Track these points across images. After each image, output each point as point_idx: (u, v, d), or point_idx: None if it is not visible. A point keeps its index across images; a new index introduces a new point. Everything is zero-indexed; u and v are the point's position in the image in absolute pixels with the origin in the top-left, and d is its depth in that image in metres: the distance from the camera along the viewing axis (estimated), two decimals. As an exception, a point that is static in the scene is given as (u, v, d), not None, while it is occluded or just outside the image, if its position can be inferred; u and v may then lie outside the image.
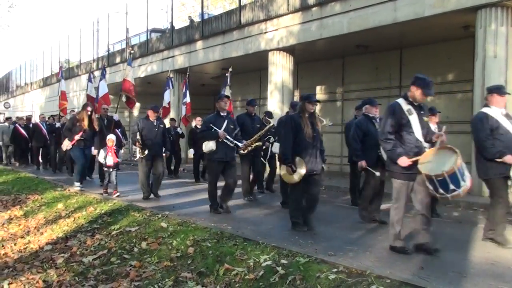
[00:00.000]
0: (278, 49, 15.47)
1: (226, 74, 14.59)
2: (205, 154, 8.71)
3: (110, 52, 27.13)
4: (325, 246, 5.81)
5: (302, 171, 6.68)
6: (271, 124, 10.21)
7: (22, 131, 18.29)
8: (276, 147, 9.54)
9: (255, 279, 4.65)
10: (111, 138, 10.43)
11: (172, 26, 21.51)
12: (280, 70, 15.53)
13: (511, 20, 10.39)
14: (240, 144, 8.51)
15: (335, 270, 4.48)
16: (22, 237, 8.03)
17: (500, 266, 5.10)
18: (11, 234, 8.30)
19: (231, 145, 8.33)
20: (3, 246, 7.61)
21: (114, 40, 27.92)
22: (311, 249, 5.53)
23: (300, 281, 4.41)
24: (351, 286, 4.13)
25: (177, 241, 6.11)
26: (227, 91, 13.92)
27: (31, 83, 39.45)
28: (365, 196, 7.80)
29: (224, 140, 8.20)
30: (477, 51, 10.66)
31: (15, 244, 7.62)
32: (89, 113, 10.97)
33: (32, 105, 38.06)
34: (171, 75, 18.09)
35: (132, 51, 14.73)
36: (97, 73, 21.39)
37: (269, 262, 4.89)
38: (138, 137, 9.75)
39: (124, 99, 13.78)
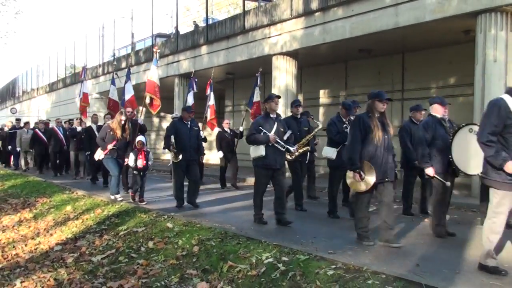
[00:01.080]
0: (281, 53, 15.69)
1: (256, 74, 14.06)
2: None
3: (115, 57, 27.40)
4: (326, 245, 6.01)
5: (371, 179, 6.08)
6: (320, 127, 9.64)
7: (42, 136, 17.35)
8: (328, 151, 8.44)
9: (257, 275, 4.86)
10: (140, 140, 9.94)
11: (177, 31, 21.77)
12: (284, 74, 15.75)
13: (510, 25, 10.54)
14: (291, 149, 7.82)
15: (333, 266, 4.68)
16: (32, 238, 8.28)
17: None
18: (22, 236, 8.56)
19: (282, 149, 7.60)
20: (14, 247, 7.86)
21: (119, 46, 28.20)
22: (312, 247, 5.74)
23: (300, 277, 4.61)
24: (348, 281, 4.33)
25: (183, 241, 6.33)
26: (257, 92, 13.93)
27: (37, 89, 39.82)
28: (436, 211, 6.90)
29: (275, 144, 7.49)
30: (477, 55, 10.83)
31: (25, 245, 7.87)
32: (122, 121, 10.22)
33: (38, 111, 38.43)
34: (195, 77, 16.51)
35: (158, 50, 13.76)
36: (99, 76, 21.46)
37: (270, 260, 5.10)
38: (172, 140, 9.22)
39: (147, 100, 12.94)
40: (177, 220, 7.38)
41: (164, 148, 10.07)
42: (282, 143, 7.57)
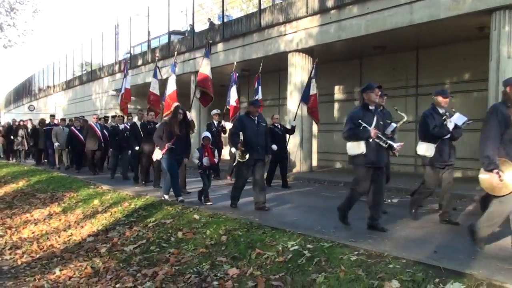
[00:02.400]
0: (297, 50, 15.99)
1: (313, 65, 13.87)
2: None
3: (132, 54, 27.81)
4: (346, 234, 6.31)
5: None
6: (405, 119, 8.70)
7: (78, 133, 16.61)
8: (425, 148, 7.34)
9: (284, 261, 5.20)
10: (207, 136, 9.36)
11: (193, 29, 22.10)
12: (300, 71, 16.04)
13: (524, 21, 10.77)
14: (395, 145, 6.78)
15: (356, 252, 5.00)
16: (64, 230, 8.71)
17: (508, 252, 5.57)
18: (54, 228, 9.00)
19: (384, 145, 6.68)
20: (48, 238, 8.30)
21: (135, 43, 28.62)
22: (334, 236, 6.05)
23: (325, 262, 4.95)
24: (371, 266, 4.66)
25: (210, 231, 6.68)
26: (313, 84, 13.49)
27: (53, 86, 40.42)
28: None
29: (376, 140, 6.60)
30: (491, 52, 11.03)
31: (59, 237, 8.30)
32: (180, 116, 9.37)
33: (55, 108, 39.04)
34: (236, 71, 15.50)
35: (210, 41, 13.11)
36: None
37: (296, 247, 5.43)
38: (241, 137, 8.43)
39: (198, 94, 12.27)
40: (203, 212, 7.72)
41: (231, 147, 9.32)
42: (384, 139, 6.68)
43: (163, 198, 9.31)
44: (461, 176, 13.92)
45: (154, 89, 13.42)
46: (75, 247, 7.53)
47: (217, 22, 22.63)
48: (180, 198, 9.10)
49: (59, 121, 18.74)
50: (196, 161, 9.15)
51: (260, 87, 14.85)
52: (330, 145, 18.52)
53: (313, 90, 13.57)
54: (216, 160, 9.40)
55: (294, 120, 13.90)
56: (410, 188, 9.94)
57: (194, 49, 21.27)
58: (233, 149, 8.84)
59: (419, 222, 7.50)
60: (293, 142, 15.86)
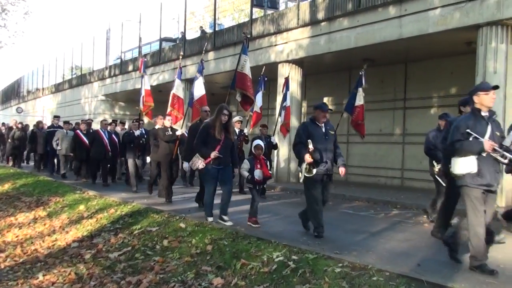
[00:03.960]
0: (287, 61, 16.08)
1: (360, 73, 12.63)
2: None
3: (122, 60, 27.76)
4: (331, 246, 6.36)
5: None
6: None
7: (84, 138, 15.07)
8: (466, 164, 5.38)
9: (269, 272, 5.21)
10: (259, 144, 8.12)
11: (184, 37, 22.14)
12: (289, 81, 16.10)
13: (510, 38, 10.91)
14: None
15: (340, 265, 5.04)
16: (48, 235, 8.65)
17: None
18: (38, 232, 8.93)
19: (504, 161, 5.38)
20: (32, 243, 8.24)
21: (125, 48, 28.57)
22: (319, 248, 6.08)
23: (309, 274, 4.97)
24: (355, 278, 4.69)
25: (196, 240, 6.67)
26: (359, 94, 12.47)
27: (42, 89, 40.23)
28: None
29: (492, 155, 5.30)
30: (478, 67, 11.17)
31: (43, 241, 8.24)
32: (226, 118, 7.89)
33: (43, 110, 38.84)
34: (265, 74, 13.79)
35: (248, 35, 11.60)
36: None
37: (281, 258, 5.45)
38: (311, 146, 6.96)
39: (238, 98, 10.76)
40: (189, 221, 7.70)
41: (299, 159, 7.40)
42: (503, 152, 5.36)
43: (207, 221, 7.73)
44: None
45: (178, 91, 12.05)
46: (59, 253, 7.48)
47: (208, 30, 22.66)
48: (211, 219, 7.82)
49: (63, 123, 16.99)
50: (246, 174, 7.94)
51: (288, 93, 13.65)
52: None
53: (360, 101, 12.40)
54: (270, 173, 8.21)
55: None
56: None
57: (185, 57, 21.27)
58: (304, 162, 7.04)
59: (404, 235, 7.57)
60: (282, 153, 15.94)
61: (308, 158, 6.94)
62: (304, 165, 7.06)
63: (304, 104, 17.80)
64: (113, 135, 14.61)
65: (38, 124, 18.71)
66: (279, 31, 16.21)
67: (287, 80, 13.74)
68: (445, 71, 14.55)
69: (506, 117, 10.72)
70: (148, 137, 12.30)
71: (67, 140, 15.83)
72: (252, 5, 18.57)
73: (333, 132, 7.49)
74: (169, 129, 10.96)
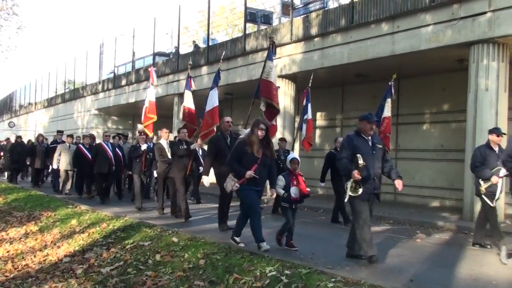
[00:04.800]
0: (280, 76, 16.14)
1: (390, 83, 11.85)
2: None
3: (116, 74, 27.78)
4: (324, 261, 6.35)
5: None
6: None
7: (87, 153, 14.51)
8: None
9: (261, 287, 5.19)
10: (295, 158, 7.48)
11: (178, 51, 22.23)
12: (282, 96, 16.14)
13: (502, 55, 11.00)
14: None
15: (333, 279, 5.03)
16: (40, 250, 8.58)
17: (482, 281, 5.67)
18: (29, 248, 8.86)
19: None
20: (23, 258, 8.17)
21: (119, 63, 28.65)
22: (312, 263, 6.08)
23: (302, 289, 4.96)
24: (348, 293, 4.69)
25: (189, 254, 6.64)
26: (388, 105, 11.66)
27: (35, 103, 40.17)
28: None
29: None
30: (469, 84, 11.27)
31: (34, 256, 8.17)
32: (262, 133, 7.09)
33: (36, 125, 38.73)
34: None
35: (274, 40, 10.61)
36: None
37: (274, 273, 5.43)
38: (361, 162, 6.19)
39: (263, 107, 9.92)
40: (182, 235, 7.68)
41: (346, 177, 6.53)
42: None
43: (233, 242, 7.27)
44: (439, 205, 14.10)
45: (189, 102, 11.34)
46: (51, 268, 7.42)
47: (202, 45, 22.78)
48: (265, 246, 6.81)
49: (66, 137, 16.19)
50: (281, 192, 7.15)
51: (310, 104, 12.60)
52: (312, 171, 18.59)
53: (387, 112, 11.60)
54: (308, 190, 7.42)
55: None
56: None
57: (178, 71, 21.36)
58: (350, 180, 6.33)
59: (397, 251, 7.57)
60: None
61: (356, 175, 6.15)
62: (349, 183, 6.33)
63: (297, 119, 17.80)
64: (117, 149, 14.20)
65: (38, 138, 18.29)
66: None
67: (307, 91, 12.67)
68: (437, 88, 14.67)
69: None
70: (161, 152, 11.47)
71: (69, 155, 15.18)
72: (246, 21, 18.70)
73: (380, 146, 6.71)
74: (184, 142, 10.47)
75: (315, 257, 6.67)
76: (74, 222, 9.92)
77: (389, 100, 11.64)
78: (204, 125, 10.36)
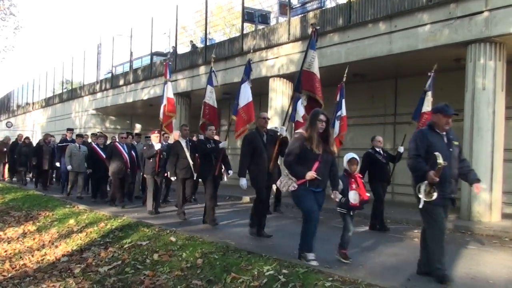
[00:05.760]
0: (278, 75, 16.16)
1: (430, 74, 10.95)
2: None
3: (113, 74, 27.75)
4: (322, 260, 6.35)
5: None
6: None
7: (101, 153, 13.78)
8: None
9: (259, 286, 5.20)
10: (354, 158, 6.66)
11: (175, 51, 22.23)
12: (280, 96, 16.20)
13: (499, 54, 11.02)
14: None
15: (330, 279, 5.03)
16: (38, 249, 8.58)
17: (479, 280, 5.69)
18: (27, 247, 8.86)
19: None
20: (21, 257, 8.17)
21: (116, 63, 28.62)
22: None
23: (300, 288, 4.97)
24: (345, 292, 4.70)
25: (187, 254, 6.65)
26: (428, 99, 10.82)
27: (33, 103, 40.11)
28: None
29: None
30: (467, 83, 11.30)
31: (32, 256, 8.17)
32: (323, 126, 6.21)
33: (34, 125, 38.70)
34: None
35: (317, 27, 9.66)
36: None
37: (271, 272, 5.44)
38: (440, 161, 5.33)
39: (304, 102, 9.40)
40: (180, 235, 7.69)
41: (416, 178, 5.68)
42: None
43: (306, 260, 6.18)
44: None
45: (210, 99, 10.63)
46: (49, 267, 7.42)
47: (199, 45, 22.78)
48: (312, 258, 6.22)
49: (76, 137, 15.43)
50: (339, 196, 6.41)
51: (343, 100, 11.76)
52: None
53: (427, 106, 10.65)
54: (368, 195, 6.71)
55: (402, 144, 10.43)
56: None
57: (176, 71, 21.35)
58: (423, 182, 5.50)
59: (394, 250, 7.59)
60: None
61: (434, 176, 5.32)
62: (423, 186, 5.50)
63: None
64: (132, 150, 13.50)
65: (45, 138, 17.52)
66: (270, 46, 16.31)
67: (341, 86, 11.74)
68: (435, 87, 14.59)
69: (495, 132, 10.83)
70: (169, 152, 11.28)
71: (79, 156, 14.33)
72: (243, 20, 18.68)
73: (457, 143, 5.84)
74: (212, 141, 9.85)
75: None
76: (72, 221, 9.92)
77: (429, 93, 10.76)
78: (239, 122, 9.54)
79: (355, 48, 13.49)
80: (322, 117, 6.15)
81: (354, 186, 6.45)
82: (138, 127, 29.03)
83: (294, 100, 10.50)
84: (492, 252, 7.23)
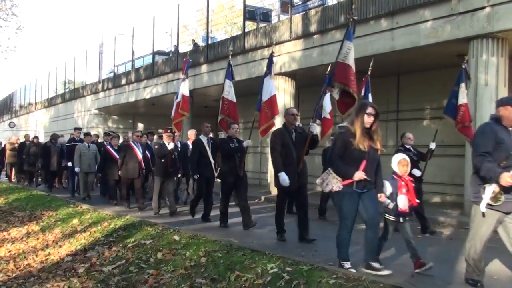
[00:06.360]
0: (280, 74, 16.16)
1: (463, 66, 9.96)
2: None
3: (115, 73, 27.78)
4: (325, 258, 6.38)
5: None
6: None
7: (115, 154, 13.07)
8: None
9: (263, 284, 5.20)
10: (405, 159, 6.07)
11: (177, 50, 22.24)
12: (282, 94, 16.18)
13: (501, 50, 11.01)
14: None
15: (334, 276, 5.03)
16: (42, 249, 8.59)
17: (484, 276, 5.65)
18: (31, 247, 8.87)
19: None
20: (25, 257, 8.17)
21: (118, 62, 28.67)
22: (313, 259, 6.09)
23: (304, 286, 4.96)
24: (349, 289, 4.69)
25: (190, 252, 6.65)
26: (462, 91, 9.79)
27: (35, 103, 40.19)
28: None
29: None
30: (469, 79, 11.29)
31: (36, 256, 8.18)
32: (371, 120, 5.65)
33: (36, 125, 38.78)
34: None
35: (355, 17, 8.86)
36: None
37: (275, 270, 5.44)
38: None
39: (336, 95, 8.31)
40: (183, 233, 7.69)
41: (483, 179, 4.90)
42: None
43: (345, 268, 5.75)
44: (439, 201, 14.11)
45: (229, 94, 10.17)
46: (53, 267, 7.43)
47: (201, 43, 22.79)
48: (348, 267, 5.81)
49: (84, 136, 14.95)
50: (388, 201, 5.87)
51: (370, 94, 10.86)
52: (315, 168, 18.62)
53: (463, 99, 9.81)
54: (418, 201, 6.22)
55: (434, 140, 10.10)
56: None
57: (178, 70, 21.35)
58: (493, 185, 4.76)
59: (398, 246, 7.56)
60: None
61: (510, 179, 4.56)
62: (491, 188, 4.76)
63: (298, 117, 17.82)
64: (147, 151, 12.82)
65: (53, 138, 16.89)
66: (271, 44, 16.27)
67: (366, 79, 10.97)
68: (437, 83, 14.65)
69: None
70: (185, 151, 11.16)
71: (89, 156, 13.97)
72: (245, 18, 18.68)
73: None
74: (235, 140, 9.47)
75: (316, 254, 6.70)
76: (75, 221, 9.93)
77: (463, 85, 9.87)
78: (263, 118, 9.13)
79: (357, 45, 13.26)
80: (370, 110, 5.58)
81: (404, 190, 5.86)
82: (140, 126, 29.06)
83: (322, 95, 9.37)
84: (496, 248, 7.18)
